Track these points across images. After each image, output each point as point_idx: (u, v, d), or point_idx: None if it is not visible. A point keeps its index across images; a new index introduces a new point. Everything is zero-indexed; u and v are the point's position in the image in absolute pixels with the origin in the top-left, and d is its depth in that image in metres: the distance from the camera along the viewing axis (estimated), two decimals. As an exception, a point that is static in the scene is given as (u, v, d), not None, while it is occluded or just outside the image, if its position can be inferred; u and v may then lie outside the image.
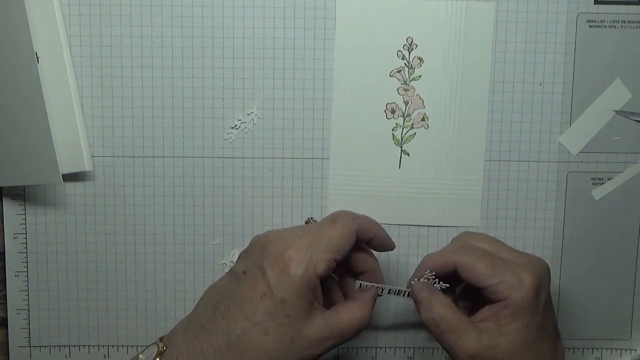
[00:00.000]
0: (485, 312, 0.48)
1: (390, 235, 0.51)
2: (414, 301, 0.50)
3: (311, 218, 0.55)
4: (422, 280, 0.50)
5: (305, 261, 0.45)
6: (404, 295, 0.51)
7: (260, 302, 0.45)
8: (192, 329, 0.47)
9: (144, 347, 0.49)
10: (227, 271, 0.50)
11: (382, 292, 0.51)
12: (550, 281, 0.49)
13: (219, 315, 0.46)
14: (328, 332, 0.46)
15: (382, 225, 0.50)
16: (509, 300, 0.47)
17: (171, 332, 0.48)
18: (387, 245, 0.51)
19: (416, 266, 0.58)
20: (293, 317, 0.45)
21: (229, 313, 0.46)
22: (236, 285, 0.46)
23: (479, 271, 0.48)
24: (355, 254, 0.49)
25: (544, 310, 0.48)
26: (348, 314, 0.48)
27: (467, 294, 0.52)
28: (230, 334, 0.45)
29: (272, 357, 0.45)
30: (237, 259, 0.50)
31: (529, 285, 0.47)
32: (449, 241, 0.57)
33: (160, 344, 0.47)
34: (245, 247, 0.49)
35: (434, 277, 0.50)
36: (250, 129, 0.56)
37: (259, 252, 0.47)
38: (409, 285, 0.51)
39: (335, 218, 0.48)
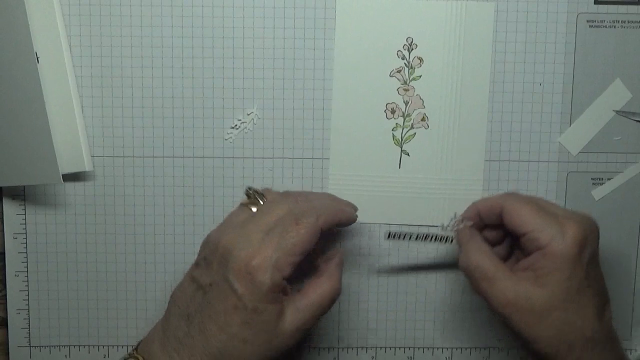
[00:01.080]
0: (526, 261, 0.47)
1: (353, 208, 0.51)
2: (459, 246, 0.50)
3: (249, 188, 0.50)
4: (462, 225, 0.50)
5: (270, 268, 0.45)
6: (444, 241, 0.51)
7: (234, 314, 0.45)
8: (170, 344, 0.47)
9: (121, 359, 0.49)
10: (188, 274, 0.49)
11: (419, 238, 0.50)
12: (598, 241, 0.47)
13: (195, 330, 0.46)
14: (302, 318, 0.46)
15: (347, 204, 0.51)
16: (548, 249, 0.46)
17: (147, 346, 0.48)
18: (349, 223, 0.51)
19: (416, 266, 0.58)
20: (268, 320, 0.45)
21: (205, 328, 0.46)
22: (204, 298, 0.46)
23: (522, 215, 0.47)
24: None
25: (587, 266, 0.46)
26: (317, 291, 0.47)
27: (514, 248, 0.51)
28: (211, 348, 0.45)
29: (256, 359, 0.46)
30: (196, 259, 0.49)
31: (572, 237, 0.46)
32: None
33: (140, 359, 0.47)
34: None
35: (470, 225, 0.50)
36: (250, 129, 0.56)
37: (221, 262, 0.46)
38: (444, 228, 0.51)
39: (299, 218, 0.46)
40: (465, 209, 0.54)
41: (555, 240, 0.46)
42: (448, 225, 0.52)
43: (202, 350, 0.46)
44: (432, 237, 0.51)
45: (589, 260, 0.46)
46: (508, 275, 0.47)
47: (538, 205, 0.48)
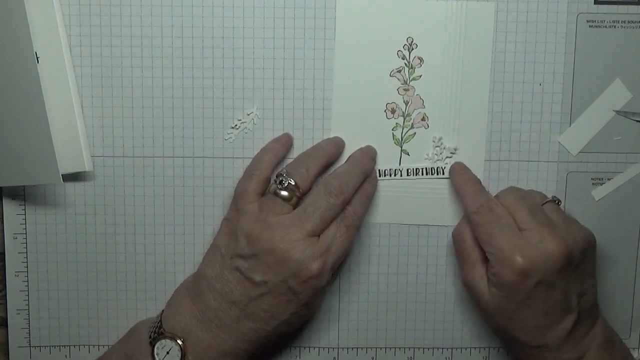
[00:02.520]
0: (489, 263, 0.51)
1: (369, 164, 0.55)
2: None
3: (282, 176, 0.52)
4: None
5: (327, 273, 0.50)
6: (435, 173, 0.56)
7: (288, 306, 0.50)
8: (212, 324, 0.51)
9: (150, 331, 0.52)
10: (229, 262, 0.51)
11: (410, 172, 0.55)
12: (556, 267, 0.49)
13: (243, 315, 0.51)
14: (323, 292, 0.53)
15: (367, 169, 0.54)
16: (495, 269, 0.50)
17: (180, 325, 0.51)
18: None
19: (417, 266, 0.58)
20: (315, 308, 0.53)
21: (255, 314, 0.50)
22: (256, 291, 0.50)
23: (479, 235, 0.52)
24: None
25: (531, 292, 0.49)
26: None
27: None
28: (261, 331, 0.51)
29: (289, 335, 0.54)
30: (240, 251, 0.50)
31: (512, 267, 0.49)
32: (449, 241, 0.57)
33: (178, 340, 0.50)
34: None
35: None
36: (250, 129, 0.56)
37: (279, 265, 0.49)
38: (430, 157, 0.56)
39: (346, 222, 0.52)
40: (461, 209, 0.55)
41: (499, 264, 0.50)
42: (435, 155, 0.55)
43: (251, 332, 0.51)
44: (423, 171, 0.55)
45: (535, 286, 0.49)
46: (479, 266, 0.52)
47: (496, 223, 0.51)
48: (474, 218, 0.52)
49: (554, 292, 0.50)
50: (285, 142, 0.55)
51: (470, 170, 0.55)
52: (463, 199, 0.54)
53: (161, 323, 0.52)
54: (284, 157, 0.55)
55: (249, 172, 0.54)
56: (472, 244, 0.53)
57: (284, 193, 0.51)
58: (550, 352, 0.51)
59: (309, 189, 0.52)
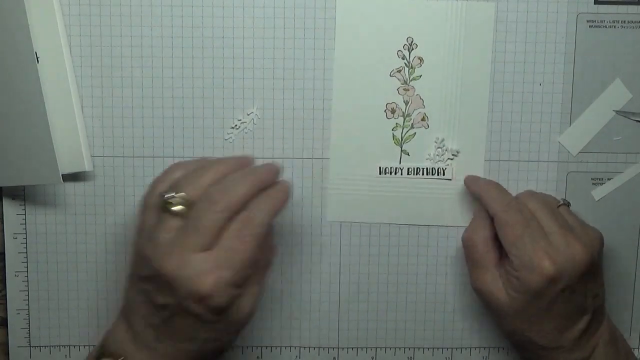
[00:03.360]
0: (508, 266, 0.50)
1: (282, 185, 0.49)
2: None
3: (164, 196, 0.46)
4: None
5: (223, 290, 0.45)
6: (436, 174, 0.55)
7: (198, 326, 0.46)
8: (140, 342, 0.47)
9: (95, 352, 0.49)
10: (135, 286, 0.48)
11: (411, 172, 0.54)
12: (580, 273, 0.49)
13: (164, 337, 0.47)
14: (254, 292, 0.48)
15: (274, 181, 0.48)
16: (519, 273, 0.49)
17: (116, 344, 0.48)
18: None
19: (417, 266, 0.58)
20: (229, 320, 0.47)
21: (174, 336, 0.47)
22: (165, 313, 0.46)
23: (506, 235, 0.50)
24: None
25: (555, 297, 0.49)
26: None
27: None
28: (188, 352, 0.47)
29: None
30: (140, 273, 0.47)
31: (541, 272, 0.48)
32: (450, 241, 0.57)
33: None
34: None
35: None
36: (250, 129, 0.56)
37: (171, 289, 0.45)
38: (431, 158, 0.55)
39: (241, 232, 0.45)
40: (465, 209, 0.54)
41: (525, 269, 0.49)
42: (436, 155, 0.55)
43: (179, 352, 0.47)
44: (423, 171, 0.54)
45: (561, 291, 0.49)
46: (493, 270, 0.52)
47: (525, 225, 0.50)
48: (501, 217, 0.51)
49: (576, 297, 0.50)
50: (201, 159, 0.51)
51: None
52: (487, 201, 0.53)
53: (103, 342, 0.49)
54: (191, 170, 0.49)
55: (150, 189, 0.49)
56: (484, 247, 0.52)
57: (173, 208, 0.46)
58: (564, 352, 0.51)
59: None
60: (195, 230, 0.45)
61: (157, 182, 0.49)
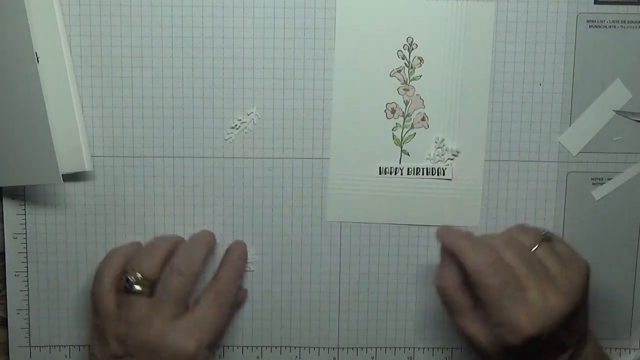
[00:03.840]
0: (485, 314, 0.49)
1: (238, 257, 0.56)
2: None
3: (126, 279, 0.52)
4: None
5: (204, 352, 0.51)
6: (436, 174, 0.55)
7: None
8: None
9: None
10: None
11: (411, 172, 0.54)
12: (562, 324, 0.48)
13: None
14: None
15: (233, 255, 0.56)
16: (497, 330, 0.49)
17: None
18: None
19: (417, 266, 0.58)
20: None
21: None
22: None
23: (483, 296, 0.49)
24: None
25: (534, 346, 0.48)
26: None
27: None
28: None
29: None
30: (111, 352, 0.51)
31: (521, 332, 0.48)
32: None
33: None
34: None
35: None
36: (250, 129, 0.56)
37: (154, 357, 0.50)
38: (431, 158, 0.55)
39: (218, 298, 0.53)
40: (465, 209, 0.54)
41: (504, 328, 0.48)
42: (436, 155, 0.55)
43: None
44: (423, 171, 0.54)
45: (543, 342, 0.48)
46: (470, 312, 0.51)
47: (503, 286, 0.48)
48: (478, 280, 0.49)
49: (556, 339, 0.49)
50: (135, 245, 0.56)
51: (454, 228, 0.53)
52: (463, 258, 0.50)
53: None
54: (131, 254, 0.54)
55: (98, 276, 0.53)
56: (459, 294, 0.51)
57: (136, 287, 0.51)
58: None
59: (159, 276, 0.52)
60: (169, 300, 0.51)
61: (102, 269, 0.53)
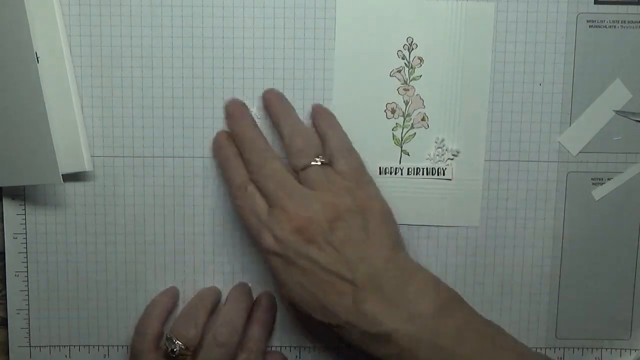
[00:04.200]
0: None
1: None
2: None
3: (169, 344, 0.53)
4: None
5: None
6: (437, 174, 0.55)
7: None
8: None
9: None
10: None
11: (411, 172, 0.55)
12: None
13: None
14: None
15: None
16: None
17: None
18: None
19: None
20: None
21: None
22: None
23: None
24: None
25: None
26: None
27: None
28: None
29: None
30: None
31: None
32: (449, 241, 0.57)
33: None
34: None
35: None
36: (250, 129, 0.56)
37: None
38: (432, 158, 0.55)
39: (251, 357, 0.53)
40: (465, 209, 0.54)
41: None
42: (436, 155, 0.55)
43: None
44: (423, 171, 0.54)
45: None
46: None
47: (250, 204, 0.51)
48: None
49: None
50: (172, 294, 0.56)
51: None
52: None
53: None
54: (172, 309, 0.56)
55: (141, 332, 0.54)
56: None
57: (180, 353, 0.52)
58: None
59: (200, 341, 0.52)
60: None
61: (144, 325, 0.54)
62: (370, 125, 0.56)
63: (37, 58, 0.52)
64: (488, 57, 0.55)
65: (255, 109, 0.55)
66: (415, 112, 0.56)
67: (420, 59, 0.55)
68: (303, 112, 0.55)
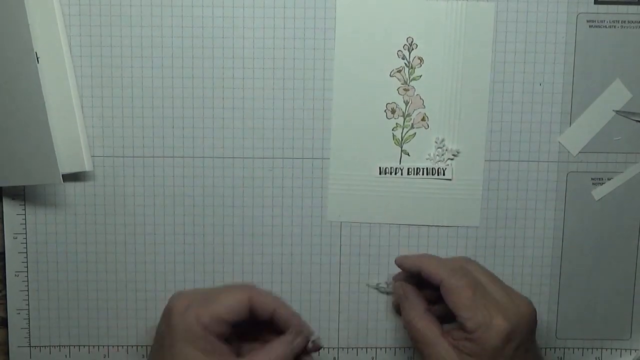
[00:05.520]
0: (457, 332, 0.50)
1: (304, 322, 0.51)
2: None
3: None
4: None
5: (185, 313, 0.48)
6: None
7: (158, 354, 0.49)
8: None
9: None
10: None
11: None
12: (530, 329, 0.50)
13: None
14: None
15: (288, 306, 0.50)
16: (474, 335, 0.49)
17: None
18: (293, 324, 0.50)
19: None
20: None
21: None
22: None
23: (455, 298, 0.50)
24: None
25: (512, 357, 0.48)
26: (252, 355, 0.49)
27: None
28: None
29: None
30: None
31: (498, 330, 0.48)
32: (449, 241, 0.57)
33: None
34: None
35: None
36: (251, 128, 0.56)
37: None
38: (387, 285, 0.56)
39: (232, 287, 0.50)
40: (465, 209, 0.54)
41: (481, 329, 0.48)
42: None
43: None
44: (423, 171, 0.56)
45: (515, 350, 0.49)
46: (442, 342, 0.50)
47: (474, 289, 0.50)
48: (450, 282, 0.50)
49: (530, 355, 0.50)
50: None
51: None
52: (430, 271, 0.52)
53: None
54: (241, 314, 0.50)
55: (240, 293, 0.50)
56: (424, 322, 0.51)
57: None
58: None
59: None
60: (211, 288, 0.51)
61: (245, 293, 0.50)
62: (370, 125, 0.56)
63: (37, 58, 0.52)
64: (488, 57, 0.55)
65: (256, 109, 0.55)
66: (415, 112, 0.56)
67: (420, 59, 0.55)
68: (303, 112, 0.55)
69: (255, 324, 0.50)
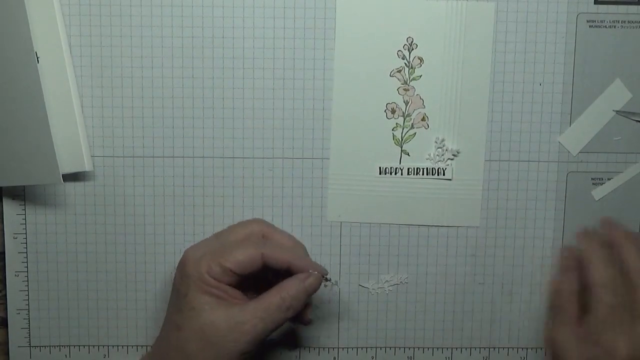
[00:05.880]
0: (586, 328, 0.49)
1: (320, 264, 0.52)
2: None
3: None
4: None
5: (198, 262, 0.50)
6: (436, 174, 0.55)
7: (175, 303, 0.51)
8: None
9: None
10: None
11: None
12: None
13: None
14: (242, 316, 0.49)
15: (303, 257, 0.52)
16: (593, 354, 0.47)
17: None
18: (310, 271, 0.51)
19: (417, 266, 0.58)
20: (198, 309, 0.49)
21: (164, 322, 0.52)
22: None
23: (597, 309, 0.48)
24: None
25: None
26: (260, 298, 0.50)
27: None
28: (159, 340, 0.52)
29: (189, 350, 0.49)
30: None
31: (616, 355, 0.47)
32: (449, 241, 0.57)
33: None
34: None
35: None
36: (251, 128, 0.56)
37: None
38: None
39: (247, 236, 0.53)
40: (465, 209, 0.54)
41: (599, 350, 0.47)
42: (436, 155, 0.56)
43: (157, 345, 0.52)
44: (424, 171, 0.55)
45: None
46: (572, 322, 0.49)
47: (620, 310, 0.48)
48: (598, 293, 0.49)
49: None
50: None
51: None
52: (591, 269, 0.50)
53: None
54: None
55: (251, 242, 0.52)
56: (568, 298, 0.50)
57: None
58: None
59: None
60: (224, 234, 0.54)
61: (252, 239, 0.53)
62: (370, 125, 0.56)
63: (37, 58, 0.52)
64: (488, 57, 0.55)
65: (256, 109, 0.55)
66: (415, 112, 0.56)
67: (420, 59, 0.55)
68: (303, 112, 0.56)
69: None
